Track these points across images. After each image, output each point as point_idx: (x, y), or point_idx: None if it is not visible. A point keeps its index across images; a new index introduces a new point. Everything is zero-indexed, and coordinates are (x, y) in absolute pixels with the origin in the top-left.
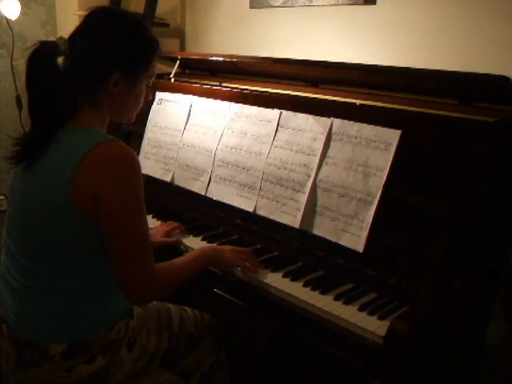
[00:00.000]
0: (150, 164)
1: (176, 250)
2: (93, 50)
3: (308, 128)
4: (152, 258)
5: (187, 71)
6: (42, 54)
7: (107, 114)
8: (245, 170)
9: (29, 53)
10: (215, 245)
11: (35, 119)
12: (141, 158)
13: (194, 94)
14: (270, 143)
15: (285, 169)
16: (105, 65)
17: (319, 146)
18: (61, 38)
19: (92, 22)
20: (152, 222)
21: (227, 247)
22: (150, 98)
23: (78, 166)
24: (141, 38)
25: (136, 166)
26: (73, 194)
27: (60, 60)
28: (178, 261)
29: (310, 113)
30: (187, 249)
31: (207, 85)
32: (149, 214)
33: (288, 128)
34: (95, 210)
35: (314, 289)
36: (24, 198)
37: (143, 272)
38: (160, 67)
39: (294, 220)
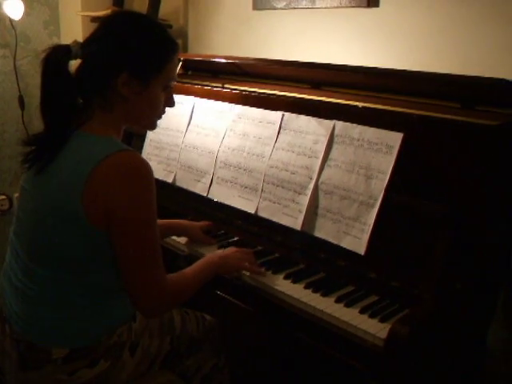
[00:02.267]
0: (152, 165)
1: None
2: (101, 50)
3: (310, 130)
4: (163, 270)
5: (190, 72)
6: (56, 58)
7: (122, 121)
8: (247, 172)
9: (42, 57)
10: (219, 251)
11: (48, 123)
12: None
13: (196, 95)
14: (272, 145)
15: (287, 171)
16: (111, 65)
17: (321, 148)
18: (75, 41)
19: (105, 25)
20: None
21: (231, 250)
22: (174, 104)
23: (90, 174)
24: (152, 39)
25: (149, 177)
26: (84, 203)
27: (73, 63)
28: (187, 272)
29: (313, 115)
30: (186, 251)
31: (210, 86)
32: None
33: (290, 130)
34: (106, 220)
35: (315, 291)
36: (34, 201)
37: (155, 285)
38: None
39: (295, 222)
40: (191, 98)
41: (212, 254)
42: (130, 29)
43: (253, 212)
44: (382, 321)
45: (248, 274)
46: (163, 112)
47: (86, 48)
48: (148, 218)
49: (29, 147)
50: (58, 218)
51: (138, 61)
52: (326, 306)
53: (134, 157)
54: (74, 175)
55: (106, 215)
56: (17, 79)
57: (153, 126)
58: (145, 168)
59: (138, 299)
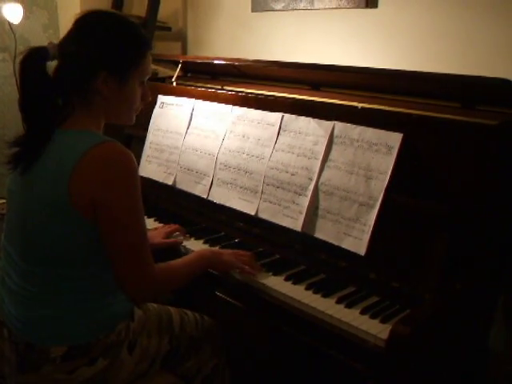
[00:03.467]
0: (153, 167)
1: (175, 251)
2: (78, 51)
3: (310, 131)
4: (150, 257)
5: (189, 75)
6: (33, 60)
7: (102, 117)
8: (247, 174)
9: (19, 59)
10: (215, 248)
11: (29, 123)
12: (143, 161)
13: (195, 97)
14: (272, 146)
15: (287, 172)
16: (90, 65)
17: (321, 149)
18: (51, 42)
19: (79, 25)
20: (154, 225)
21: (227, 251)
22: (150, 98)
23: (74, 168)
24: (126, 37)
25: (132, 167)
26: (71, 196)
27: (50, 64)
28: (176, 261)
29: (312, 116)
30: (187, 251)
31: (209, 88)
32: (151, 217)
33: (290, 131)
34: (94, 211)
35: (315, 292)
36: (23, 201)
37: (142, 271)
38: (162, 71)
39: (295, 223)
40: (191, 100)
41: (206, 248)
42: (104, 27)
43: (253, 213)
44: (383, 321)
45: (244, 274)
46: (140, 107)
47: (63, 49)
48: (134, 207)
49: (14, 149)
50: (47, 214)
51: (114, 59)
52: (326, 307)
53: (116, 147)
54: (60, 170)
55: (93, 205)
56: (16, 83)
57: (131, 121)
58: (127, 159)
59: (126, 285)
